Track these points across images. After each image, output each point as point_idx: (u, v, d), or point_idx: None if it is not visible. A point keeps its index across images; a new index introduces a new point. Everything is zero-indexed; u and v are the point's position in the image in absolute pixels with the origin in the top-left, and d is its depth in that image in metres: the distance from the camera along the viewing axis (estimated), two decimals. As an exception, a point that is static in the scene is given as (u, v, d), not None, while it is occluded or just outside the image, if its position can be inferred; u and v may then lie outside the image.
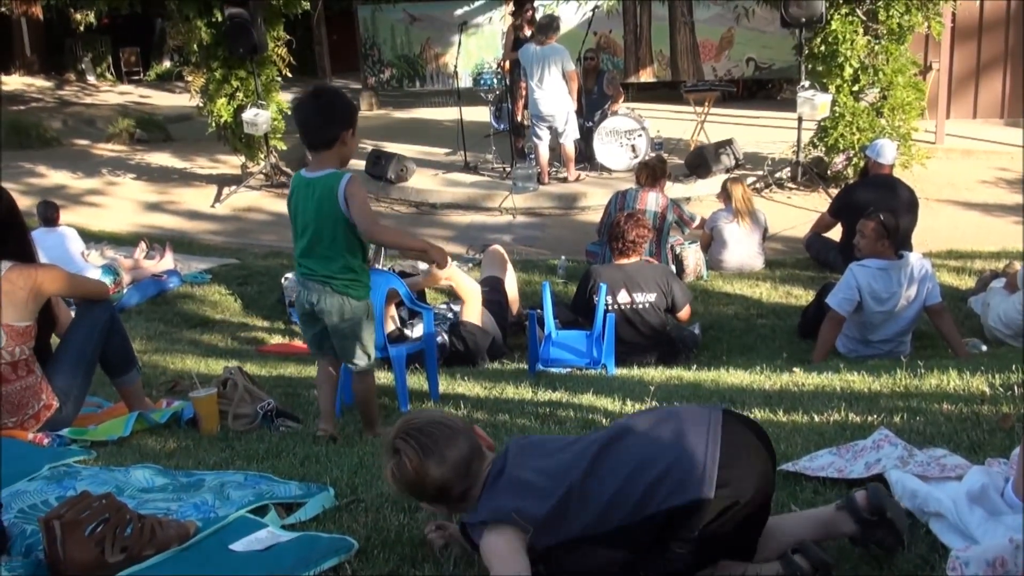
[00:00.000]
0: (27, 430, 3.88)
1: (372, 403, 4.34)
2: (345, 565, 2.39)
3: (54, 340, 4.33)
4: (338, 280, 3.94)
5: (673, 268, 7.76)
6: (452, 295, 6.64)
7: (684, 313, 6.51)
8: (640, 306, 6.17)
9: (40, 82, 22.98)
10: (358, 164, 12.64)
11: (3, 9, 22.13)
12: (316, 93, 4.00)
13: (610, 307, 6.02)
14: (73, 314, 4.40)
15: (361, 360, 4.13)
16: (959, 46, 13.07)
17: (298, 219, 3.99)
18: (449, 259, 6.08)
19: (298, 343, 7.08)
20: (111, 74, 24.43)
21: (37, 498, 2.93)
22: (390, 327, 5.79)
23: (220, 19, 11.60)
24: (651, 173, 7.98)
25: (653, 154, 10.54)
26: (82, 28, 20.90)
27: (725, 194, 8.60)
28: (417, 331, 6.02)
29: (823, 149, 11.05)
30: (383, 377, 5.77)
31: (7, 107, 18.87)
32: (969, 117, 13.49)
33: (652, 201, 7.72)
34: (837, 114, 10.60)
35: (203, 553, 2.50)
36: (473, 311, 6.19)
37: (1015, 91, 13.29)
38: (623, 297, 6.15)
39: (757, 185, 11.14)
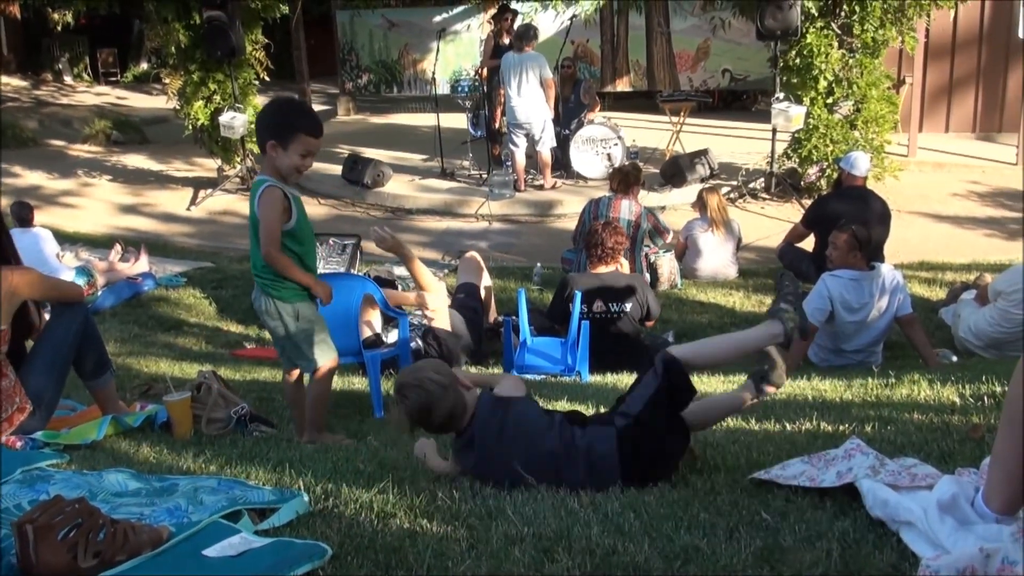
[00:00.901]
0: (0, 433, 3.84)
1: (320, 407, 4.29)
2: (319, 571, 2.38)
3: (28, 343, 4.30)
4: (261, 279, 4.01)
5: (648, 276, 7.78)
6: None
7: (651, 322, 6.55)
8: (615, 315, 6.18)
9: (16, 81, 22.80)
10: (334, 169, 12.65)
11: (-20, 9, 22.03)
12: (273, 100, 4.23)
13: (585, 315, 6.03)
14: (47, 316, 4.36)
15: (304, 363, 4.16)
16: (933, 61, 13.19)
17: None
18: (433, 286, 6.11)
19: (272, 348, 7.05)
20: (88, 75, 24.24)
21: (10, 502, 2.89)
22: (367, 333, 5.76)
23: (198, 21, 11.59)
24: (624, 179, 7.98)
25: (628, 162, 10.56)
26: (59, 28, 20.73)
27: (700, 203, 8.64)
28: (392, 337, 6.01)
29: (797, 160, 11.13)
30: (358, 382, 5.76)
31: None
32: (941, 131, 13.61)
33: (625, 209, 7.73)
34: (811, 126, 10.68)
35: (176, 558, 2.47)
36: (441, 318, 6.16)
37: (987, 106, 13.42)
38: (598, 306, 6.16)
39: (731, 195, 11.20)
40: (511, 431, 3.18)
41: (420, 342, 6.02)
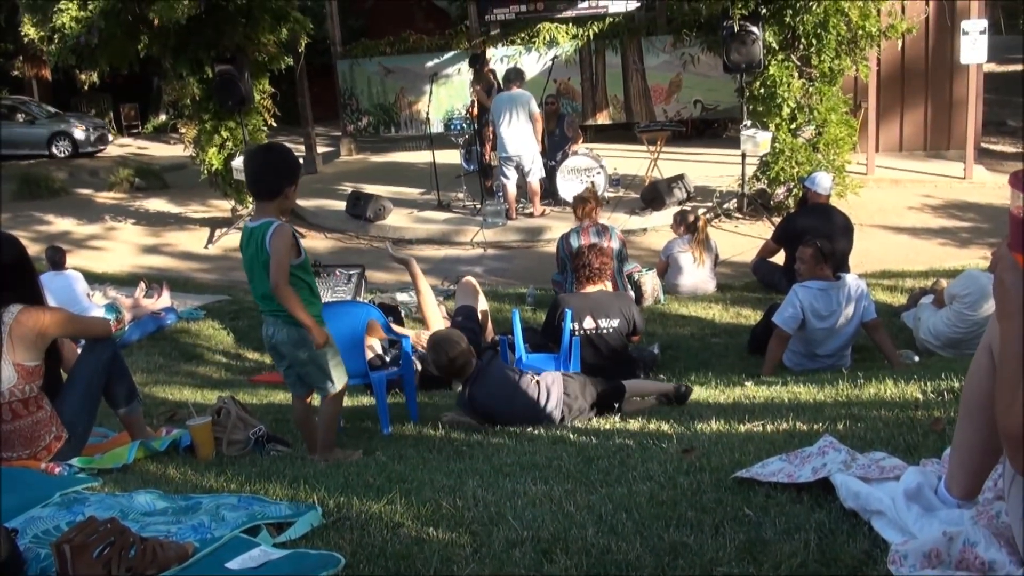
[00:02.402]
0: (39, 460, 3.84)
1: (331, 427, 4.26)
2: (333, 579, 2.37)
3: (63, 376, 4.29)
4: (283, 313, 3.94)
5: (632, 293, 7.74)
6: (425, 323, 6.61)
7: (636, 336, 6.52)
8: (604, 331, 6.14)
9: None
10: (338, 205, 12.67)
11: (16, 72, 22.25)
12: (268, 148, 4.12)
13: (576, 332, 6.01)
14: (79, 351, 4.36)
15: (326, 385, 4.11)
16: (885, 87, 13.27)
17: (245, 264, 4.02)
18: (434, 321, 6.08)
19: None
20: (112, 128, 24.37)
21: (50, 524, 2.88)
22: (370, 355, 5.74)
23: (210, 75, 11.62)
24: (582, 206, 7.77)
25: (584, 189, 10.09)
26: (86, 87, 20.89)
27: (685, 224, 8.59)
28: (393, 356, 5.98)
29: (765, 181, 11.16)
30: (367, 401, 5.74)
31: (19, 161, 18.84)
32: (896, 150, 13.66)
33: (594, 236, 7.56)
34: (777, 150, 10.71)
35: (201, 572, 2.46)
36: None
37: (936, 126, 13.49)
38: (588, 323, 6.12)
39: (707, 215, 11.20)
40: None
41: (419, 364, 5.98)
